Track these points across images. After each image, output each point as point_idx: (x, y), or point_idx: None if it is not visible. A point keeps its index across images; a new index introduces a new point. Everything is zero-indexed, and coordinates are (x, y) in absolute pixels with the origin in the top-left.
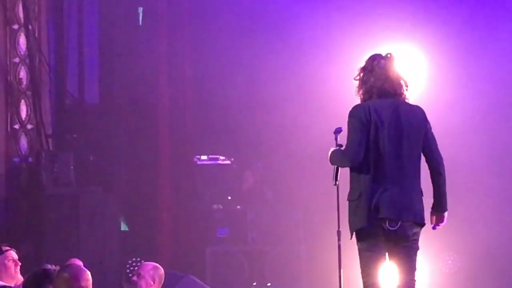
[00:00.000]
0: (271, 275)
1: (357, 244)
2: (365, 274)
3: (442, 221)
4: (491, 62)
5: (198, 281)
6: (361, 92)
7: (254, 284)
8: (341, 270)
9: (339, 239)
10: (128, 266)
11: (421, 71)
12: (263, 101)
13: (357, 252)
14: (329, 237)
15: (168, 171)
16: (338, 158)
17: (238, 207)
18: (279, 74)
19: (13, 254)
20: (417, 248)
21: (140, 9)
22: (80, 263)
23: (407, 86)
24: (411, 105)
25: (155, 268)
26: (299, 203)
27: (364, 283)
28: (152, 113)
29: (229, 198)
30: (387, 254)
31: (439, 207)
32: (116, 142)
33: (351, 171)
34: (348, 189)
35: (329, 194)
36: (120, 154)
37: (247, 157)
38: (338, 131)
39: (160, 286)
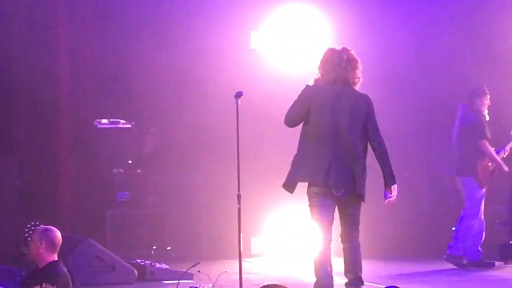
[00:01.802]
0: (171, 239)
1: None
2: None
3: (392, 192)
4: (395, 23)
5: (98, 244)
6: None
7: (154, 248)
8: (241, 234)
9: (239, 203)
10: (26, 230)
11: (322, 32)
12: (165, 65)
13: (256, 216)
14: (230, 201)
15: (68, 134)
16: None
17: (139, 171)
18: (179, 36)
19: None
20: None
21: None
22: None
23: (358, 77)
24: (356, 91)
25: (45, 230)
26: (200, 167)
27: None
28: (52, 77)
29: (130, 162)
30: None
31: (388, 181)
32: (16, 105)
33: None
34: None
35: (229, 158)
36: (19, 117)
37: (148, 121)
38: (238, 95)
39: (53, 248)
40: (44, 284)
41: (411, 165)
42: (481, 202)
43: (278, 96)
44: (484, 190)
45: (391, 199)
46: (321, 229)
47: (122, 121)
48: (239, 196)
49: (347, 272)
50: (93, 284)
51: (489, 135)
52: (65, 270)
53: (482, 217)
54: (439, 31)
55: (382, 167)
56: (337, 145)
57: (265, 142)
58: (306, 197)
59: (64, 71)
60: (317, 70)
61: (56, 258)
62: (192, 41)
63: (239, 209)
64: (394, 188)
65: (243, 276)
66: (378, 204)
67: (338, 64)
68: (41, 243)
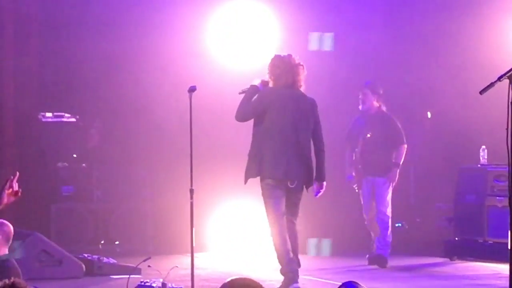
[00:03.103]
0: (118, 234)
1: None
2: None
3: (322, 188)
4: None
5: (45, 238)
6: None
7: (102, 242)
8: (193, 229)
9: (191, 197)
10: None
11: (270, 28)
12: (109, 57)
13: (202, 211)
14: (178, 195)
15: (12, 127)
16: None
17: (84, 165)
18: (127, 30)
19: None
20: None
21: None
22: None
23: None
24: (305, 95)
25: (1, 224)
26: (146, 161)
27: None
28: None
29: (75, 156)
30: None
31: (321, 177)
32: None
33: None
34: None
35: (180, 153)
36: None
37: (92, 115)
38: (192, 89)
39: (7, 243)
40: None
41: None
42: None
43: (228, 92)
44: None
45: (320, 193)
46: (278, 217)
47: (66, 114)
48: (191, 191)
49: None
50: (40, 279)
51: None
52: (15, 263)
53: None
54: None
55: (318, 163)
56: (294, 143)
57: (213, 137)
58: (252, 191)
59: (7, 64)
60: (267, 73)
61: (7, 252)
62: (137, 32)
63: (191, 204)
64: (324, 184)
65: (194, 271)
66: None
67: (289, 69)
68: None
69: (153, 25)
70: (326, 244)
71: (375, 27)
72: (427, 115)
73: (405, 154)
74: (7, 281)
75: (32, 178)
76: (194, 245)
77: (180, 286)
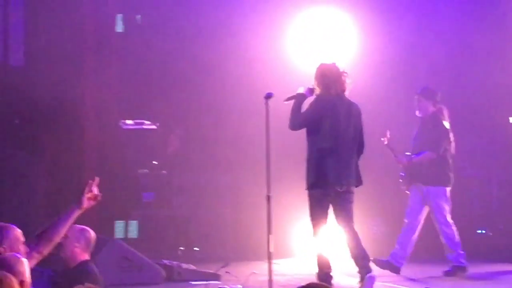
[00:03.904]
0: (198, 240)
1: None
2: None
3: None
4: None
5: (125, 245)
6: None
7: (181, 248)
8: (270, 235)
9: (268, 204)
10: None
11: (348, 35)
12: (191, 65)
13: (282, 217)
14: (257, 202)
15: (93, 135)
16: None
17: (164, 171)
18: (207, 37)
19: None
20: None
21: None
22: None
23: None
24: (352, 102)
25: (82, 230)
26: (226, 167)
27: None
28: (78, 76)
29: (155, 162)
30: None
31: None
32: (41, 105)
33: None
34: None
35: (258, 159)
36: (45, 117)
37: (172, 122)
38: (268, 96)
39: (88, 248)
40: (77, 283)
41: None
42: None
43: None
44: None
45: None
46: (323, 225)
47: (147, 122)
48: (268, 197)
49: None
50: (121, 285)
51: None
52: (96, 269)
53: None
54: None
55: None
56: (346, 150)
57: (290, 144)
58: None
59: (90, 72)
60: (315, 82)
61: (88, 258)
62: (219, 42)
63: (268, 210)
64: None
65: (272, 277)
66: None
67: (337, 77)
68: (78, 242)
69: (233, 33)
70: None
71: (456, 30)
72: (508, 120)
73: (487, 161)
74: (81, 286)
75: (114, 185)
76: (272, 251)
77: None
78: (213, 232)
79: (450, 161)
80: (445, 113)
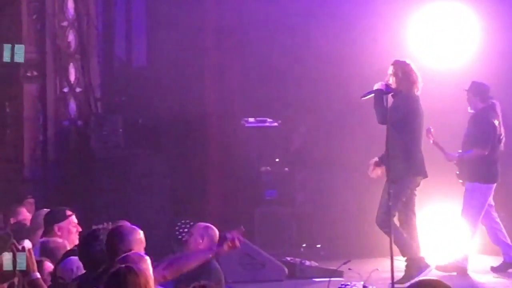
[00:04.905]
0: (320, 237)
1: None
2: None
3: None
4: None
5: (247, 242)
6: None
7: (304, 245)
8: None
9: (389, 200)
10: (177, 228)
11: (472, 32)
12: (312, 64)
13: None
14: (378, 198)
15: (216, 133)
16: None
17: (286, 169)
18: (331, 33)
19: (75, 219)
20: None
21: None
22: (128, 224)
23: None
24: None
25: (206, 227)
26: (348, 164)
27: None
28: (199, 75)
29: (277, 160)
30: None
31: None
32: (164, 104)
33: None
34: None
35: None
36: (168, 116)
37: (294, 119)
38: (387, 92)
39: (212, 245)
40: (199, 280)
41: None
42: None
43: (436, 93)
44: None
45: None
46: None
47: (269, 119)
48: (390, 194)
49: None
50: (243, 282)
51: None
52: (218, 266)
53: None
54: None
55: None
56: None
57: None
58: (453, 195)
59: (211, 70)
60: (392, 78)
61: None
62: (343, 38)
63: (390, 207)
64: None
65: (394, 274)
66: None
67: (417, 75)
68: (202, 240)
69: (355, 28)
70: None
71: None
72: None
73: None
74: (197, 283)
75: (236, 182)
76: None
77: None
78: (335, 229)
79: (497, 157)
80: (497, 109)
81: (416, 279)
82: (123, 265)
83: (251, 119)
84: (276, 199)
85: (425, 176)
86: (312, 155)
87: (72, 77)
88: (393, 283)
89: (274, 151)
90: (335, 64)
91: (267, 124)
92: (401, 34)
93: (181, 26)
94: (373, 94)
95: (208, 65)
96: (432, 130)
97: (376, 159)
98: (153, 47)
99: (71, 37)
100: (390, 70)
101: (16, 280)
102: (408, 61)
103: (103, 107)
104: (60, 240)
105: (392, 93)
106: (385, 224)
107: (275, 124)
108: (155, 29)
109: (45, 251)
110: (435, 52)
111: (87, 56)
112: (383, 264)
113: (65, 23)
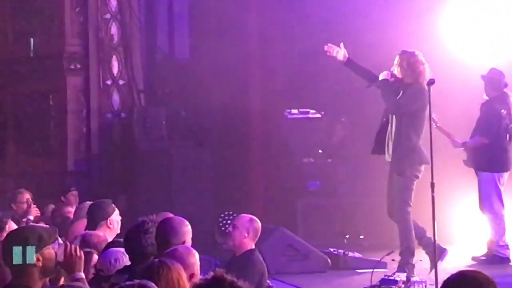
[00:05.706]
0: (363, 228)
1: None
2: None
3: None
4: None
5: (290, 233)
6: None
7: (347, 236)
8: (435, 222)
9: (432, 191)
10: (220, 219)
11: (505, 18)
12: (353, 53)
13: (450, 205)
14: (421, 189)
15: (259, 125)
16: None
17: (329, 160)
18: (366, 24)
19: (118, 212)
20: None
21: None
22: (171, 216)
23: None
24: None
25: (251, 220)
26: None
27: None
28: (242, 67)
29: (320, 151)
30: None
31: None
32: (207, 96)
33: None
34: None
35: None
36: (211, 108)
37: (337, 111)
38: (431, 82)
39: (255, 239)
40: (242, 272)
41: None
42: None
43: (461, 83)
44: None
45: None
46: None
47: (311, 111)
48: (432, 184)
49: None
50: (286, 273)
51: None
52: (261, 258)
53: None
54: None
55: None
56: None
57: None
58: None
59: (254, 62)
60: (397, 68)
61: (253, 247)
62: (379, 29)
63: (433, 198)
64: None
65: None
66: None
67: (424, 66)
68: (248, 233)
69: (389, 20)
70: None
71: None
72: None
73: None
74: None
75: (279, 174)
76: (436, 238)
77: (424, 280)
78: (378, 220)
79: (506, 146)
80: (508, 99)
81: (440, 262)
82: (157, 260)
83: (294, 111)
84: (319, 191)
85: (428, 163)
86: (355, 146)
87: (115, 70)
88: (436, 274)
89: (317, 142)
90: (372, 56)
91: (310, 115)
92: (434, 25)
93: (224, 17)
94: (378, 84)
95: (250, 56)
96: (434, 117)
97: None
98: (195, 39)
99: (113, 29)
100: (396, 60)
101: (61, 279)
102: (417, 52)
103: (146, 100)
104: (101, 233)
105: (397, 83)
106: (395, 214)
107: (318, 115)
108: (198, 21)
109: (85, 243)
110: (468, 43)
111: (129, 49)
112: (426, 254)
113: (107, 16)
